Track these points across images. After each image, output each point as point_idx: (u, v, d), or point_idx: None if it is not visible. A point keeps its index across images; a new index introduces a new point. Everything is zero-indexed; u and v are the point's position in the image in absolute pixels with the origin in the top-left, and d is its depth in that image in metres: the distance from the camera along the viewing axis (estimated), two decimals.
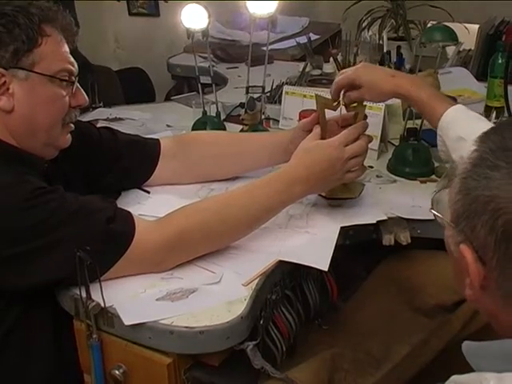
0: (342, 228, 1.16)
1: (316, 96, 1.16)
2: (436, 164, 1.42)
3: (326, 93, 1.49)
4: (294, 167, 1.08)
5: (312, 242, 1.12)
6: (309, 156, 1.08)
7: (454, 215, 0.65)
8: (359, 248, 1.23)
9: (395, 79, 1.10)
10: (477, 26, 2.23)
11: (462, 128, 1.02)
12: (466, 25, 2.21)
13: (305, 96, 1.59)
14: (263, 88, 1.51)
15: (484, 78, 2.11)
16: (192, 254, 1.02)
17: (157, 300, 0.95)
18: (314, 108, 1.42)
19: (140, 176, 1.27)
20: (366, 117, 1.16)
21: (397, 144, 1.49)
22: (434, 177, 1.39)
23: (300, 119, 1.44)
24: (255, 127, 1.52)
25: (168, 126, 1.70)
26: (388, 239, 1.18)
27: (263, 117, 1.59)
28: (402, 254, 1.27)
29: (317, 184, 1.08)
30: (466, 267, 0.64)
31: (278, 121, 1.67)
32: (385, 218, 1.19)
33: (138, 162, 1.25)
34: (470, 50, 2.26)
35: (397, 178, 1.39)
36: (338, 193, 1.19)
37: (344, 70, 1.15)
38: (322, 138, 1.15)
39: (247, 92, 1.50)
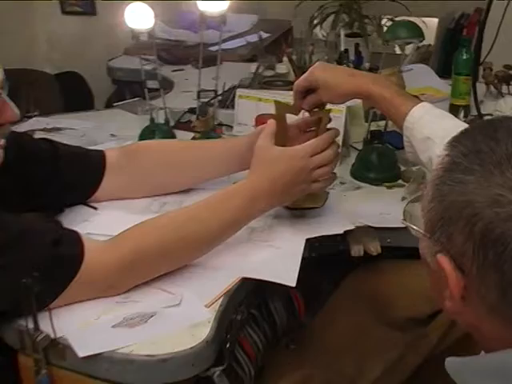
0: (307, 240, 1.17)
1: (275, 102, 1.18)
2: (402, 168, 1.45)
3: (282, 95, 1.52)
4: (257, 180, 1.08)
5: (277, 257, 1.13)
6: (272, 167, 1.08)
7: (429, 224, 0.66)
8: (325, 260, 1.24)
9: (355, 78, 1.12)
10: (435, 20, 2.29)
11: (429, 127, 1.05)
12: (424, 19, 2.27)
13: (260, 99, 1.60)
14: (215, 92, 1.52)
15: (446, 74, 2.18)
16: (149, 274, 1.02)
17: (113, 327, 0.94)
18: (272, 112, 1.45)
19: (84, 191, 1.26)
20: (330, 120, 1.17)
21: (360, 148, 1.52)
22: (400, 181, 1.42)
23: (257, 125, 1.45)
24: (207, 134, 1.53)
25: (112, 135, 1.68)
26: (357, 250, 1.20)
27: (215, 123, 1.59)
28: (371, 265, 1.29)
29: (281, 197, 1.10)
30: (444, 278, 0.65)
31: (232, 127, 1.68)
32: (352, 227, 1.21)
33: (81, 175, 1.24)
34: (429, 45, 2.32)
35: (361, 184, 1.41)
36: (301, 203, 1.20)
37: (304, 73, 1.17)
38: (283, 145, 1.16)
39: (199, 97, 1.50)
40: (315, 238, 1.18)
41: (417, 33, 1.25)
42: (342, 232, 1.19)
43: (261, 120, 1.45)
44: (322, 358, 1.19)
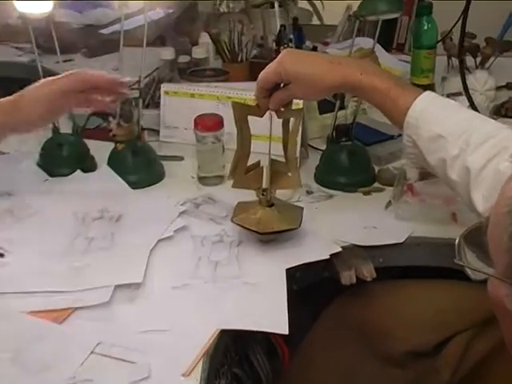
0: (286, 270, 1.12)
1: (233, 103, 1.13)
2: (376, 168, 1.43)
3: (225, 90, 1.44)
4: None
5: (256, 296, 1.07)
6: None
7: (509, 267, 0.61)
8: (304, 289, 1.21)
9: (338, 67, 1.06)
10: None
11: (439, 123, 1.00)
12: None
13: (193, 95, 1.53)
14: (140, 90, 1.41)
15: (388, 47, 2.17)
16: None
17: None
18: (212, 111, 1.38)
19: None
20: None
21: (321, 148, 1.47)
22: (377, 185, 1.40)
23: (197, 127, 1.36)
24: (133, 145, 1.43)
25: (2, 153, 1.53)
26: (347, 277, 1.15)
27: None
28: (358, 289, 1.24)
29: None
30: None
31: (158, 131, 1.59)
32: (339, 249, 1.17)
33: None
34: None
35: (332, 191, 1.38)
36: (273, 224, 1.16)
37: (269, 65, 1.09)
38: (248, 153, 1.12)
39: None
40: (296, 267, 1.14)
41: (397, 5, 1.20)
42: (327, 257, 1.15)
43: (203, 122, 1.37)
44: None
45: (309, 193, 1.36)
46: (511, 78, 1.87)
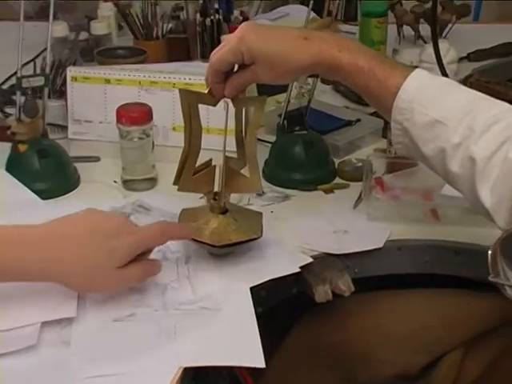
0: (250, 290, 1.11)
1: (180, 90, 1.10)
2: (336, 161, 1.44)
3: (142, 72, 1.41)
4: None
5: (219, 323, 1.04)
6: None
7: None
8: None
9: (311, 43, 1.04)
10: None
11: (437, 106, 1.00)
12: None
13: (108, 81, 1.48)
14: (45, 76, 1.36)
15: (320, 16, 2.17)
16: None
17: None
18: (133, 100, 1.35)
19: None
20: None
21: (269, 139, 1.46)
22: (339, 180, 1.41)
23: (120, 120, 1.33)
24: (38, 144, 1.38)
25: None
26: (322, 293, 1.15)
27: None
28: (328, 305, 1.23)
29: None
30: None
31: (64, 127, 1.54)
32: (310, 260, 1.17)
33: None
34: None
35: (287, 191, 1.38)
36: (230, 235, 1.14)
37: (225, 42, 1.06)
38: (197, 152, 1.10)
39: (20, 86, 1.34)
40: (261, 284, 1.12)
41: None
42: (298, 270, 1.14)
43: (125, 113, 1.33)
44: None
45: (260, 194, 1.35)
46: (471, 48, 1.91)
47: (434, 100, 1.00)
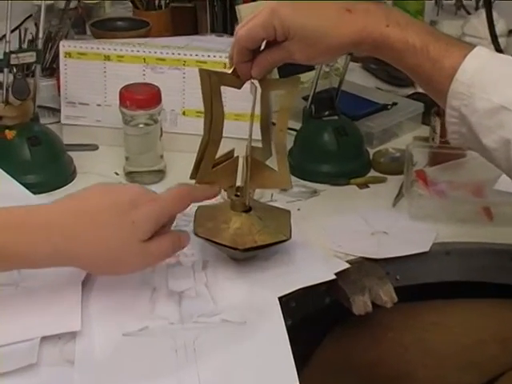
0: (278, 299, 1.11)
1: (201, 71, 1.08)
2: (370, 150, 1.44)
3: (147, 47, 1.42)
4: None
5: (245, 340, 1.04)
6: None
7: None
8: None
9: (356, 17, 1.03)
10: None
11: (502, 89, 0.98)
12: None
13: (108, 58, 1.48)
14: (37, 52, 1.35)
15: None
16: None
17: None
18: (137, 80, 1.35)
19: None
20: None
21: (293, 126, 1.44)
22: (374, 173, 1.41)
23: (124, 102, 1.34)
24: (30, 130, 1.39)
25: None
26: (361, 305, 1.15)
27: None
28: (361, 317, 1.23)
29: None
30: None
31: (58, 111, 1.55)
32: (346, 265, 1.16)
33: None
34: None
35: (316, 185, 1.39)
36: (254, 236, 1.13)
37: (254, 14, 1.05)
38: (217, 139, 1.10)
39: (8, 64, 1.34)
40: (290, 294, 1.12)
41: None
42: (332, 277, 1.14)
43: (130, 95, 1.33)
44: None
45: (284, 189, 1.34)
46: None
47: (497, 83, 0.98)
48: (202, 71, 1.08)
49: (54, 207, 1.03)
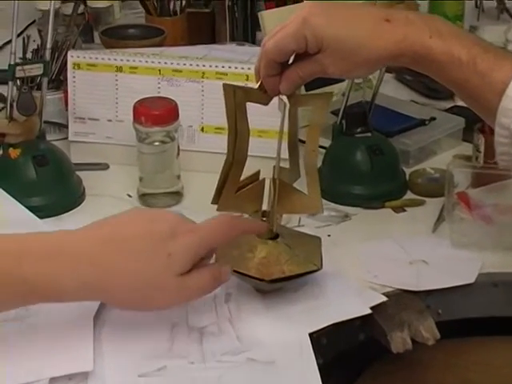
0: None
1: (225, 86, 1.09)
2: (406, 170, 1.44)
3: (163, 57, 1.46)
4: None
5: (275, 381, 1.04)
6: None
7: None
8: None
9: (396, 27, 1.02)
10: None
11: None
12: None
13: (120, 69, 1.49)
14: (44, 63, 1.37)
15: None
16: None
17: None
18: (151, 94, 1.35)
19: None
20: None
21: (323, 144, 1.44)
22: (411, 195, 1.41)
23: (139, 119, 1.34)
24: (36, 148, 1.40)
25: None
26: (400, 341, 1.14)
27: None
28: (399, 355, 1.22)
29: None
30: None
31: (65, 127, 1.56)
32: (383, 298, 1.16)
33: None
34: None
35: (347, 208, 1.39)
36: (283, 267, 1.13)
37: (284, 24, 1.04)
38: (242, 159, 1.11)
39: (14, 77, 1.35)
40: (321, 330, 1.12)
41: None
42: (368, 311, 1.14)
43: (145, 110, 1.34)
44: None
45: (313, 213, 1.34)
46: None
47: None
48: (226, 86, 1.09)
49: (84, 236, 1.03)
